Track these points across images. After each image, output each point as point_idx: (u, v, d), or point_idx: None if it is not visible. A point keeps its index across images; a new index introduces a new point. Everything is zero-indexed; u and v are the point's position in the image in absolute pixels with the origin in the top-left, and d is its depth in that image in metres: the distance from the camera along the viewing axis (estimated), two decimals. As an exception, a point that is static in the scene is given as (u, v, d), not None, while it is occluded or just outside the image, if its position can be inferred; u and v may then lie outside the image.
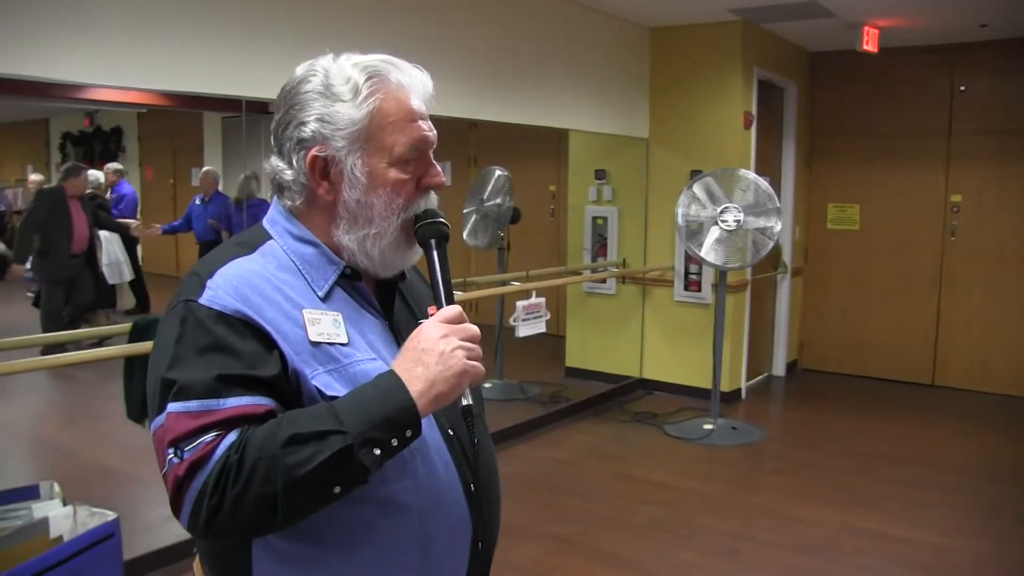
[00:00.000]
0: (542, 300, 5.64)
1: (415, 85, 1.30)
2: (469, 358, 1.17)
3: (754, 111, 6.23)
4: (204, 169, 7.79)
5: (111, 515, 2.91)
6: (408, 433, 1.13)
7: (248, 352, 1.14)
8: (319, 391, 1.17)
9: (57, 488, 3.08)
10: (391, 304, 1.34)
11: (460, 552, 1.32)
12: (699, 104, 6.22)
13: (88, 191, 7.54)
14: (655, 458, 5.20)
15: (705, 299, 6.26)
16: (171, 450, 1.09)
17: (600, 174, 6.75)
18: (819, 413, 6.23)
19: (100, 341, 4.83)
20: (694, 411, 5.99)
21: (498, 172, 6.50)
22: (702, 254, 5.40)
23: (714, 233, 5.37)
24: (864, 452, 5.27)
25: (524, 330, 5.55)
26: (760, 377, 7.07)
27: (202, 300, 1.16)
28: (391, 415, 1.11)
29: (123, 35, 3.20)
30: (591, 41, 5.82)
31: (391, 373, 1.15)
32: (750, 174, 5.45)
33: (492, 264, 6.63)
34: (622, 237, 6.70)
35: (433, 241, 1.29)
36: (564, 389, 6.56)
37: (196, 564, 1.34)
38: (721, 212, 5.34)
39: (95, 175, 8.14)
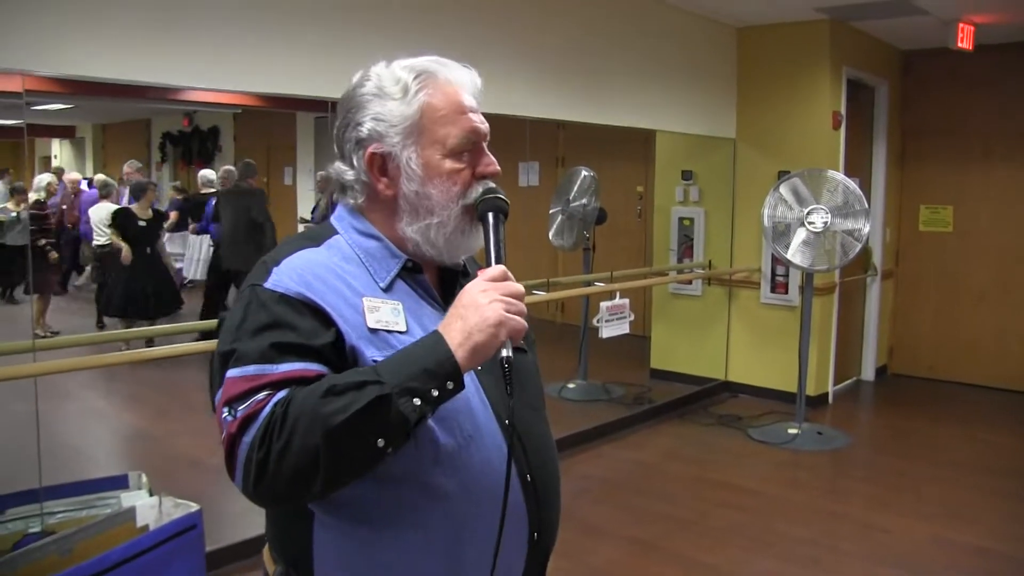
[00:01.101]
0: (626, 301, 5.66)
1: (464, 81, 1.35)
2: (508, 311, 1.18)
3: (843, 111, 6.11)
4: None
5: (195, 507, 2.99)
6: (449, 385, 1.15)
7: (306, 327, 1.19)
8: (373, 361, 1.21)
9: (144, 479, 3.19)
10: (452, 298, 1.31)
11: (517, 543, 1.33)
12: (787, 104, 6.14)
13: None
14: (737, 462, 5.17)
15: (792, 301, 6.17)
16: (226, 409, 1.15)
17: (687, 175, 6.72)
18: (909, 420, 6.09)
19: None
20: (779, 415, 5.92)
21: (584, 172, 6.54)
22: (788, 256, 5.33)
23: (800, 235, 5.30)
24: (957, 462, 5.13)
25: (608, 331, 5.58)
26: (848, 381, 6.93)
27: (267, 284, 1.23)
28: (430, 366, 1.14)
29: (219, 41, 3.36)
30: (678, 41, 5.81)
31: (434, 331, 1.19)
32: (838, 175, 5.35)
33: (578, 265, 6.66)
34: (708, 238, 6.66)
35: (490, 214, 1.32)
36: (648, 391, 6.55)
37: (265, 551, 1.41)
38: (808, 214, 5.27)
39: (205, 175, 8.47)
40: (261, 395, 1.14)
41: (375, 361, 1.20)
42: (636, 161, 8.00)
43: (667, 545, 4.01)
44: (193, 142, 11.01)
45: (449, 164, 1.31)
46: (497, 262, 1.28)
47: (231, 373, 1.17)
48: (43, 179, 8.74)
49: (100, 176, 9.01)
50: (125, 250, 7.24)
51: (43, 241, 7.60)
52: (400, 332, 1.25)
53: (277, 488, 1.13)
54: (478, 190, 1.33)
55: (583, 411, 6.13)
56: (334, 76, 3.73)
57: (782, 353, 6.17)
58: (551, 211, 6.67)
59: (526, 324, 1.21)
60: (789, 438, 5.43)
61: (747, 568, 3.80)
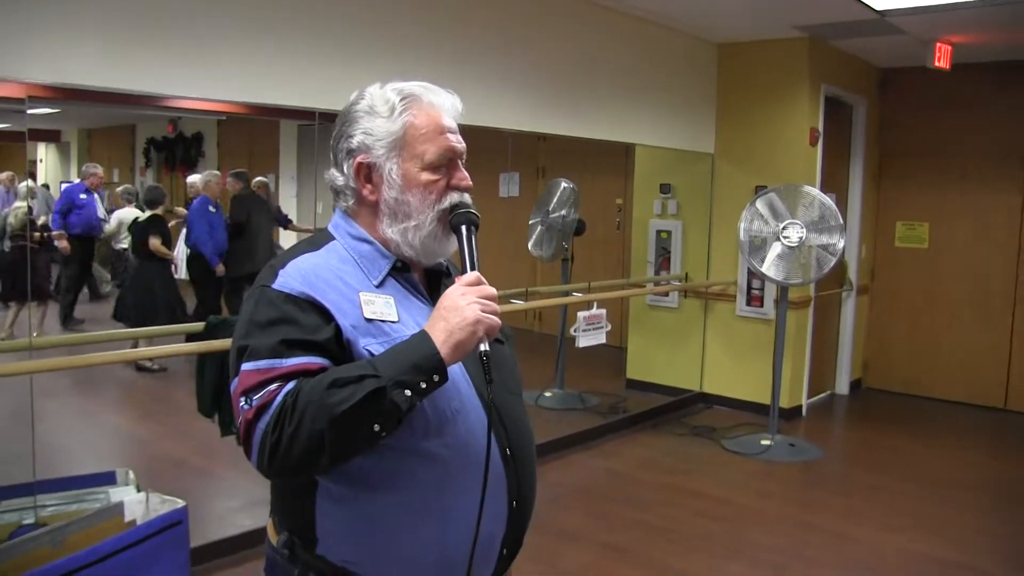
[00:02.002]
0: (603, 312, 5.71)
1: (445, 105, 1.53)
2: (483, 311, 1.36)
3: (821, 127, 6.20)
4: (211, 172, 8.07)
5: (180, 503, 3.08)
6: (435, 378, 1.32)
7: (309, 323, 1.37)
8: (369, 354, 1.38)
9: (132, 475, 3.28)
10: (437, 293, 1.51)
11: (498, 511, 1.49)
12: (765, 120, 6.22)
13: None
14: (711, 472, 5.21)
15: (767, 314, 6.24)
16: (242, 399, 1.33)
17: (665, 188, 6.78)
18: (882, 434, 6.16)
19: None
20: (753, 426, 5.97)
21: (564, 184, 6.59)
22: (763, 269, 5.40)
23: (776, 249, 5.37)
24: (929, 476, 5.20)
25: (584, 341, 5.63)
26: (823, 395, 7.01)
27: (274, 285, 1.41)
28: (418, 362, 1.31)
29: (204, 50, 3.40)
30: (659, 57, 5.88)
31: (420, 331, 1.37)
32: (813, 190, 5.43)
33: (557, 275, 6.72)
34: (686, 251, 6.72)
35: (463, 227, 1.49)
36: (624, 400, 6.60)
37: (269, 524, 1.56)
38: (783, 228, 5.34)
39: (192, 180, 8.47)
40: (273, 386, 1.31)
41: (368, 351, 1.37)
42: (616, 174, 8.08)
43: (639, 551, 4.05)
44: (177, 148, 11.02)
45: (426, 176, 1.48)
46: (471, 269, 1.45)
47: (246, 366, 1.34)
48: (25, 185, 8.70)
49: (127, 185, 8.92)
50: (174, 258, 7.30)
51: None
52: (393, 321, 1.43)
53: (288, 465, 1.30)
54: (453, 198, 1.50)
55: (559, 419, 6.16)
56: (318, 86, 3.79)
57: (757, 365, 6.23)
58: (531, 222, 6.72)
59: (499, 321, 1.39)
60: (762, 449, 5.49)
61: (716, 573, 3.85)
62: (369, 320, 1.41)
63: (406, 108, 1.48)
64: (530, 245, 6.74)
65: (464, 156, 1.53)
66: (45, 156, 12.84)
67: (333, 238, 1.53)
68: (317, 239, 1.53)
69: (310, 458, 1.29)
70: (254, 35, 3.56)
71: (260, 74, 3.59)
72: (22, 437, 3.44)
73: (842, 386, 7.19)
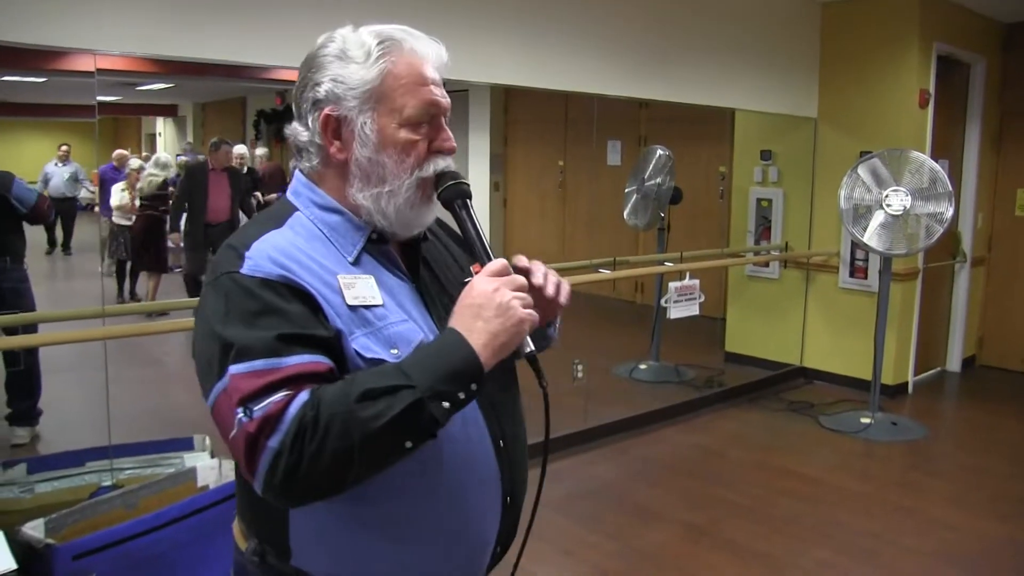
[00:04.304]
0: (695, 282, 5.56)
1: (429, 53, 1.32)
2: (523, 307, 1.20)
3: (932, 89, 5.83)
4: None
5: None
6: (473, 386, 1.16)
7: (297, 313, 1.17)
8: (359, 354, 1.21)
9: (208, 441, 3.37)
10: (416, 268, 1.37)
11: (492, 506, 1.37)
12: (871, 82, 5.89)
13: (246, 166, 8.10)
14: (805, 450, 5.03)
15: (871, 287, 5.95)
16: (240, 410, 1.11)
17: (766, 155, 6.53)
18: (994, 415, 5.80)
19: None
20: (854, 403, 5.73)
21: (659, 151, 6.44)
22: (864, 239, 5.13)
23: (879, 217, 5.09)
24: (1041, 460, 4.87)
25: (676, 312, 5.51)
26: (931, 372, 6.65)
27: (244, 270, 1.19)
28: (457, 368, 1.14)
29: (306, 21, 3.41)
30: (759, 17, 5.63)
31: (452, 331, 1.18)
32: (920, 155, 5.11)
33: (654, 244, 6.58)
34: (787, 220, 6.47)
35: (458, 202, 1.32)
36: (720, 374, 6.44)
37: (235, 527, 1.42)
38: (886, 196, 5.06)
39: (240, 149, 8.62)
40: (279, 396, 1.11)
41: (357, 351, 1.20)
42: (719, 141, 7.82)
43: (720, 531, 3.94)
44: (286, 119, 11.26)
45: (404, 134, 1.28)
46: (484, 253, 1.29)
47: (236, 369, 1.13)
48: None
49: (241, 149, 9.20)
50: None
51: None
52: (377, 306, 1.25)
53: (306, 490, 1.13)
54: (438, 165, 1.31)
55: (652, 392, 6.06)
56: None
57: (860, 340, 5.96)
58: (626, 190, 6.60)
59: (538, 316, 1.22)
60: (861, 427, 5.25)
61: (800, 558, 3.69)
62: (352, 308, 1.23)
63: (384, 53, 1.28)
64: (625, 213, 6.62)
65: (448, 113, 1.33)
66: (164, 129, 13.35)
67: (295, 209, 1.32)
68: (277, 211, 1.32)
69: (334, 480, 1.12)
70: (358, 5, 3.57)
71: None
72: (115, 399, 3.58)
73: (953, 363, 6.81)
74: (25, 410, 4.59)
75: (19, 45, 2.83)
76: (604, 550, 3.75)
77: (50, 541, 2.21)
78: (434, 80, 1.31)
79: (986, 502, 4.29)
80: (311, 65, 1.31)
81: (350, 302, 1.23)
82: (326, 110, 1.28)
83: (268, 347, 1.13)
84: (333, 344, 1.19)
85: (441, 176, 1.31)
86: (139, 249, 8.02)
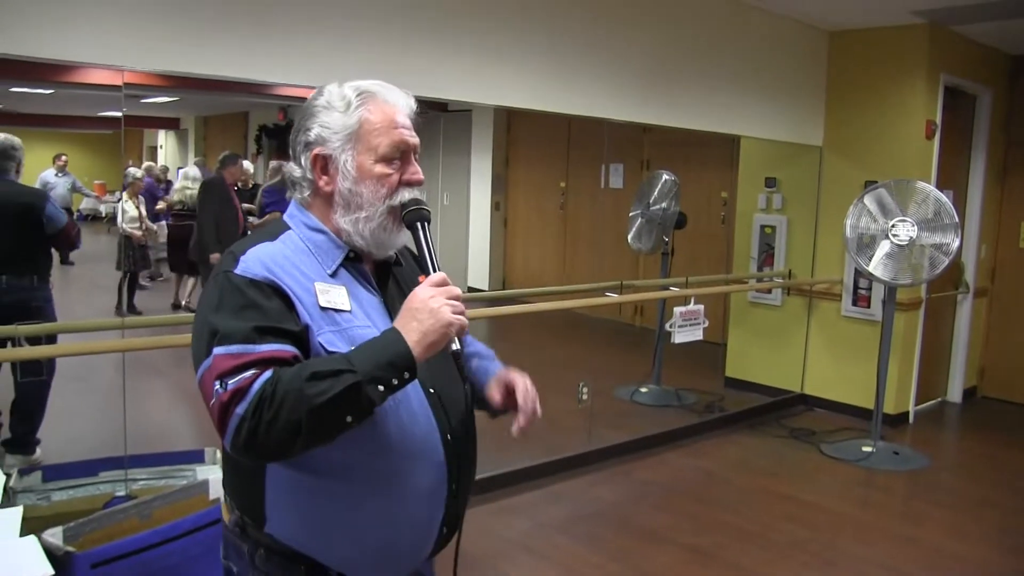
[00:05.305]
0: (700, 307, 5.57)
1: (399, 103, 1.58)
2: (453, 312, 1.43)
3: (939, 120, 5.88)
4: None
5: None
6: (406, 375, 1.40)
7: (274, 309, 1.42)
8: (323, 346, 1.44)
9: (219, 455, 3.34)
10: (386, 285, 1.63)
11: (438, 491, 1.57)
12: (878, 112, 5.94)
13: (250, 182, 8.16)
14: (807, 476, 5.02)
15: (874, 315, 5.97)
16: (217, 383, 1.36)
17: (770, 182, 6.57)
18: (997, 445, 5.81)
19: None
20: (855, 432, 5.73)
21: (665, 176, 6.47)
22: (870, 268, 5.15)
23: (884, 247, 5.12)
24: (1045, 492, 4.86)
25: (680, 336, 5.51)
26: (932, 402, 6.65)
27: (237, 271, 1.45)
28: (392, 360, 1.38)
29: (304, 39, 3.47)
30: (766, 45, 5.68)
31: (392, 329, 1.43)
32: (927, 186, 5.14)
33: (659, 269, 6.60)
34: (790, 247, 6.49)
35: (418, 224, 1.56)
36: (721, 399, 6.44)
37: (222, 502, 1.63)
38: (892, 226, 5.09)
39: (246, 165, 8.65)
40: (248, 373, 1.35)
41: (320, 344, 1.44)
42: (722, 167, 7.87)
43: (726, 556, 3.92)
44: (287, 135, 11.27)
45: (379, 168, 1.54)
46: (433, 268, 1.53)
47: (218, 351, 1.37)
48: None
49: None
50: None
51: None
52: (345, 311, 1.50)
53: (264, 450, 1.36)
54: (404, 196, 1.56)
55: (653, 416, 6.06)
56: (416, 75, 3.78)
57: (862, 368, 5.98)
58: (631, 214, 6.62)
59: (467, 322, 1.46)
60: (863, 456, 5.25)
61: (806, 585, 3.69)
62: (324, 309, 1.47)
63: (362, 103, 1.54)
64: (629, 237, 6.63)
65: (418, 151, 1.59)
66: (165, 142, 13.36)
67: (288, 228, 1.57)
68: (273, 229, 1.58)
69: (285, 444, 1.34)
70: (359, 23, 3.60)
71: (364, 61, 3.62)
72: (133, 410, 3.57)
73: (954, 393, 6.82)
74: (22, 435, 4.42)
75: (49, 61, 2.87)
76: (608, 571, 3.73)
77: (70, 549, 2.21)
78: (404, 124, 1.57)
79: (992, 534, 4.29)
80: (303, 114, 1.58)
81: (322, 304, 1.48)
82: (315, 150, 1.55)
83: (245, 335, 1.38)
84: (301, 337, 1.43)
85: (406, 204, 1.56)
86: (177, 254, 8.33)
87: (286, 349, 1.40)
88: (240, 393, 1.34)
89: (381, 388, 1.37)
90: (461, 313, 1.45)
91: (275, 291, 1.44)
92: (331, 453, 1.44)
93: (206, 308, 1.45)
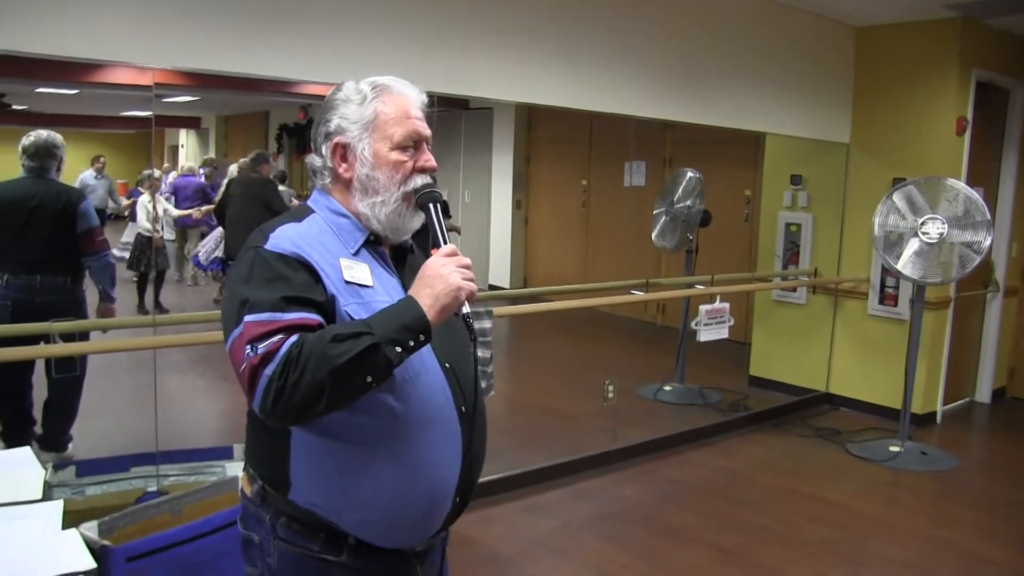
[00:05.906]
0: (726, 306, 5.54)
1: (412, 96, 1.71)
2: (464, 278, 1.53)
3: (970, 116, 5.81)
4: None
5: None
6: (421, 337, 1.49)
7: (301, 281, 1.52)
8: (348, 315, 1.54)
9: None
10: (403, 267, 1.73)
11: (452, 461, 1.66)
12: (906, 109, 5.88)
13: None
14: (833, 476, 4.98)
15: (901, 314, 5.91)
16: (248, 347, 1.45)
17: (796, 179, 6.52)
18: (1026, 446, 5.75)
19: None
20: (881, 431, 5.68)
21: (689, 174, 6.44)
22: (899, 267, 5.10)
23: (913, 245, 5.06)
24: (1076, 494, 4.80)
25: (706, 335, 5.49)
26: (960, 402, 6.58)
27: (267, 246, 1.55)
28: (407, 323, 1.48)
29: (328, 37, 3.47)
30: (792, 41, 5.63)
31: (407, 296, 1.53)
32: (958, 183, 5.09)
33: (681, 267, 6.57)
34: (816, 245, 6.44)
35: (430, 205, 1.67)
36: (745, 398, 6.40)
37: (242, 477, 1.71)
38: (922, 223, 5.03)
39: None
40: (277, 337, 1.44)
41: (347, 312, 1.54)
42: (745, 164, 7.83)
43: (751, 555, 3.90)
44: (308, 134, 11.30)
45: (395, 155, 1.65)
46: (444, 241, 1.63)
47: (249, 318, 1.47)
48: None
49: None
50: None
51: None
52: (368, 286, 1.60)
53: (289, 409, 1.43)
54: (417, 182, 1.67)
55: (676, 414, 6.03)
56: (435, 72, 3.77)
57: (888, 367, 5.92)
58: (655, 212, 6.59)
59: (476, 287, 1.56)
60: (890, 456, 5.20)
61: (834, 586, 3.66)
62: (348, 283, 1.57)
63: (376, 96, 1.67)
64: (654, 235, 6.61)
65: (430, 141, 1.70)
66: (186, 141, 13.44)
67: (313, 211, 1.68)
68: (298, 212, 1.68)
69: (310, 404, 1.42)
70: (381, 21, 3.60)
71: (387, 60, 3.61)
72: (162, 407, 3.60)
73: (983, 394, 6.74)
74: (54, 435, 4.40)
75: (83, 60, 2.89)
76: (634, 570, 3.72)
77: (106, 542, 2.22)
78: (416, 115, 1.69)
79: (1022, 536, 4.23)
80: (323, 109, 1.71)
81: (347, 278, 1.58)
82: (335, 140, 1.67)
83: (274, 304, 1.47)
84: (327, 307, 1.53)
85: (419, 188, 1.67)
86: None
87: (312, 317, 1.49)
88: (269, 356, 1.43)
89: (398, 349, 1.46)
90: (470, 280, 1.55)
91: (302, 265, 1.54)
92: (354, 418, 1.54)
93: (236, 280, 1.55)
